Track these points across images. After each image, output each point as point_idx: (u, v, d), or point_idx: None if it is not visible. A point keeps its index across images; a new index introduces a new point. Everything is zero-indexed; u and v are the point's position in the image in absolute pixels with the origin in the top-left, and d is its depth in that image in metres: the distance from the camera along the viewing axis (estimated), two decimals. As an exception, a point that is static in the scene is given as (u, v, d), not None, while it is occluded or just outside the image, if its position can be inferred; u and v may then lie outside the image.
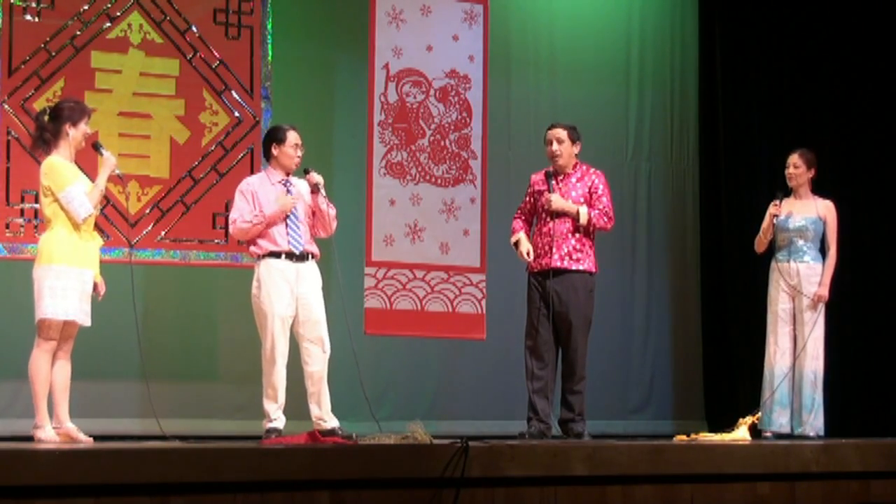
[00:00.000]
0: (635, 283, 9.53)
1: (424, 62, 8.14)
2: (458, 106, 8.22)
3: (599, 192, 6.88)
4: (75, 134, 5.98)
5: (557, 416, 6.97)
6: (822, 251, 7.46)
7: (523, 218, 7.04)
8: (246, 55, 7.99)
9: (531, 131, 8.91)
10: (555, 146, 6.88)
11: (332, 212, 6.62)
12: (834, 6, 9.56)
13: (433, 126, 8.15)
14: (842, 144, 9.39)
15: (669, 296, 9.62)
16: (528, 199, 7.04)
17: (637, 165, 9.61)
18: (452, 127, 8.21)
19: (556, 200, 6.79)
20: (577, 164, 6.96)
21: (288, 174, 6.59)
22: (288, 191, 6.54)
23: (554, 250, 6.76)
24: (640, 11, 9.67)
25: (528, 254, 6.86)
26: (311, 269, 6.52)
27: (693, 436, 6.79)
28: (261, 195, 6.52)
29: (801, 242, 7.41)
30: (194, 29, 7.85)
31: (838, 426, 7.72)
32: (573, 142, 6.90)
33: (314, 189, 6.59)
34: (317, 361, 6.47)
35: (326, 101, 8.60)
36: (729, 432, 6.82)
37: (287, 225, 6.49)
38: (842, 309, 8.00)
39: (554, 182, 6.87)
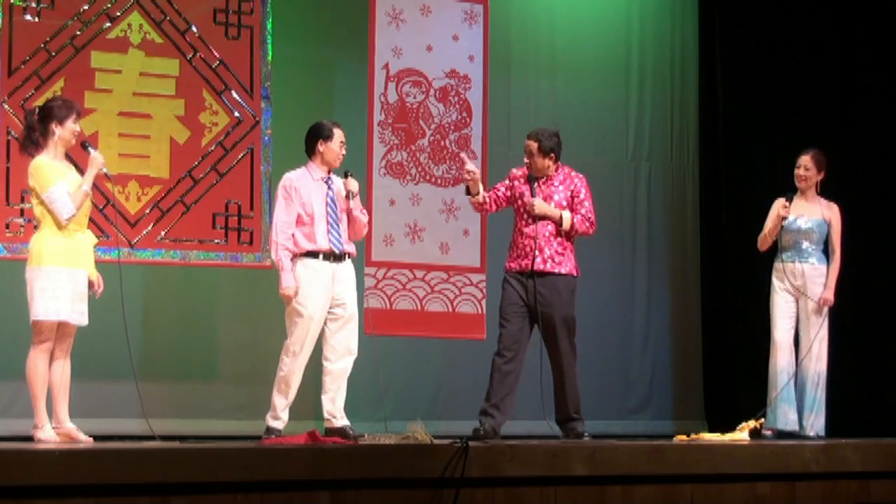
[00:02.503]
0: (635, 283, 9.53)
1: (424, 62, 8.14)
2: (458, 106, 8.22)
3: (582, 196, 6.83)
4: (62, 132, 5.99)
5: (551, 415, 6.93)
6: (825, 252, 7.45)
7: (492, 195, 6.95)
8: (246, 55, 7.98)
9: (531, 131, 8.90)
10: (525, 159, 6.88)
11: (364, 219, 6.67)
12: (834, 6, 9.55)
13: (433, 126, 8.15)
14: (842, 144, 9.38)
15: (669, 296, 9.62)
16: (501, 188, 6.95)
17: (637, 165, 9.61)
18: (452, 127, 8.21)
19: (539, 205, 6.74)
20: (558, 167, 6.90)
21: (330, 171, 6.63)
22: (329, 188, 6.57)
23: (537, 253, 6.72)
24: (640, 11, 9.67)
25: (469, 174, 6.79)
26: (347, 270, 6.56)
27: (693, 436, 6.79)
28: (303, 192, 6.55)
29: (806, 244, 7.39)
30: (194, 29, 7.85)
31: (838, 426, 7.72)
32: (545, 156, 6.81)
33: (347, 195, 6.60)
34: (340, 360, 6.50)
35: (326, 101, 8.60)
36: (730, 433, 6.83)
37: (328, 223, 6.51)
38: (842, 309, 7.98)
39: (536, 185, 6.83)
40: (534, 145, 6.82)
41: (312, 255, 6.48)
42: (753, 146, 9.52)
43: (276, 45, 8.06)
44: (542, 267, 6.72)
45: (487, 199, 6.93)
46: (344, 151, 6.66)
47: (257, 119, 7.93)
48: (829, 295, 7.35)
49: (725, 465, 5.75)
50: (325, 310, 6.48)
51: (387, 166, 8.00)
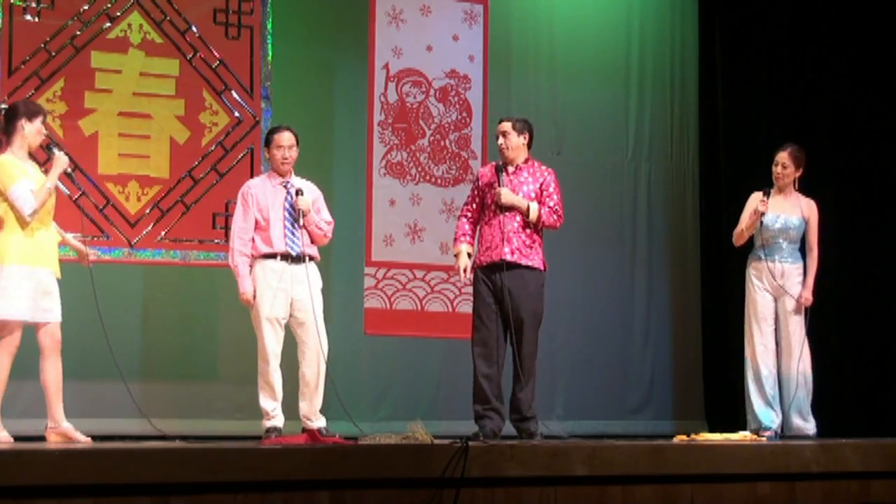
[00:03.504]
0: (635, 283, 9.52)
1: (424, 62, 8.15)
2: (458, 106, 8.22)
3: (551, 189, 6.72)
4: (29, 129, 6.04)
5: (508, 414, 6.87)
6: (801, 250, 7.39)
7: (470, 217, 6.80)
8: (246, 55, 7.99)
9: (531, 131, 8.90)
10: (500, 140, 6.78)
11: (321, 233, 6.60)
12: (834, 6, 9.55)
13: (433, 126, 8.15)
14: (842, 144, 9.38)
15: (669, 296, 9.61)
16: (475, 193, 6.82)
17: (637, 165, 9.61)
18: (452, 127, 8.21)
19: (506, 194, 6.61)
20: (528, 158, 6.80)
21: (283, 175, 6.60)
22: (287, 192, 6.55)
23: (505, 244, 6.65)
24: (640, 11, 9.67)
25: (464, 271, 6.70)
26: (305, 272, 6.51)
27: (693, 436, 6.79)
28: (260, 198, 6.54)
29: (784, 243, 7.33)
30: (194, 29, 7.85)
31: (838, 426, 7.72)
32: (518, 133, 6.71)
33: (299, 214, 6.54)
34: (311, 363, 6.49)
35: (326, 101, 8.60)
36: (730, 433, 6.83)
37: (285, 227, 6.49)
38: (841, 308, 7.99)
39: (504, 175, 6.72)
40: (507, 124, 6.76)
41: (270, 256, 6.48)
42: (753, 146, 9.51)
43: (276, 45, 8.06)
44: (509, 258, 6.58)
45: (470, 230, 6.77)
46: (287, 154, 6.58)
47: (257, 119, 7.93)
48: (809, 294, 7.28)
49: (725, 465, 5.74)
50: (285, 309, 6.48)
51: (387, 166, 8.00)
